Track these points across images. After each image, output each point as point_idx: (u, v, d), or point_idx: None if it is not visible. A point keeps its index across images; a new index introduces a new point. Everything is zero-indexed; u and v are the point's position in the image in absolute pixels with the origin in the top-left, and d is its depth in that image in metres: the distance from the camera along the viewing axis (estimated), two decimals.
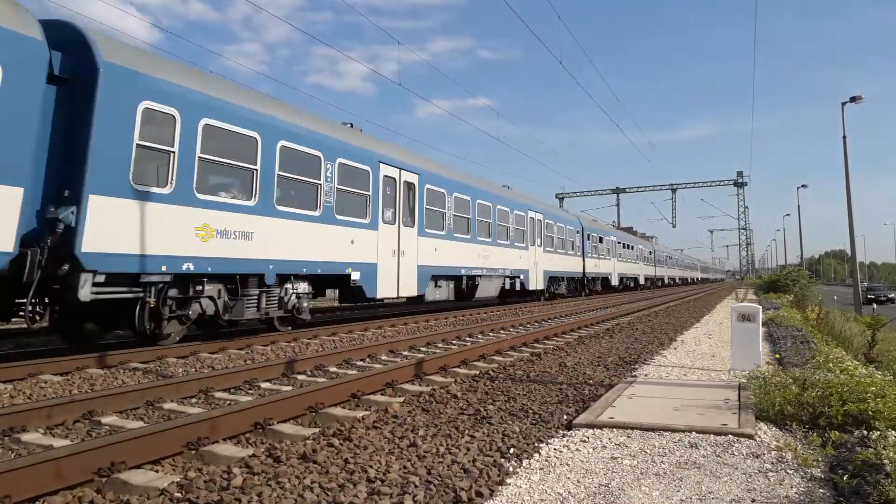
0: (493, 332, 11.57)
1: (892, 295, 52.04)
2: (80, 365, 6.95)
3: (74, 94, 7.04)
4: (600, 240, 30.77)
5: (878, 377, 4.62)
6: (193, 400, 5.53)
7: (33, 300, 6.73)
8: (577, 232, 27.05)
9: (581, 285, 28.01)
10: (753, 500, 2.87)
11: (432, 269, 14.62)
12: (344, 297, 12.72)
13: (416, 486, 3.06)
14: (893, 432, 3.40)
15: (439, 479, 3.19)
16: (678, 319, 14.80)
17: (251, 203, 9.21)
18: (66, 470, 3.16)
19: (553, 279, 23.87)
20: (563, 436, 4.06)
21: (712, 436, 3.91)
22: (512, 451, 3.70)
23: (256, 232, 9.26)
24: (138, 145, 7.52)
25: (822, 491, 2.98)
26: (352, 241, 11.52)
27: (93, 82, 7.00)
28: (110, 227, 7.14)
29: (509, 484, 3.13)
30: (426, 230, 14.38)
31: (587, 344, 9.51)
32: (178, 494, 3.02)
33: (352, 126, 13.00)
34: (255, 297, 9.45)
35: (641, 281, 41.53)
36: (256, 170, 9.27)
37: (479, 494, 2.96)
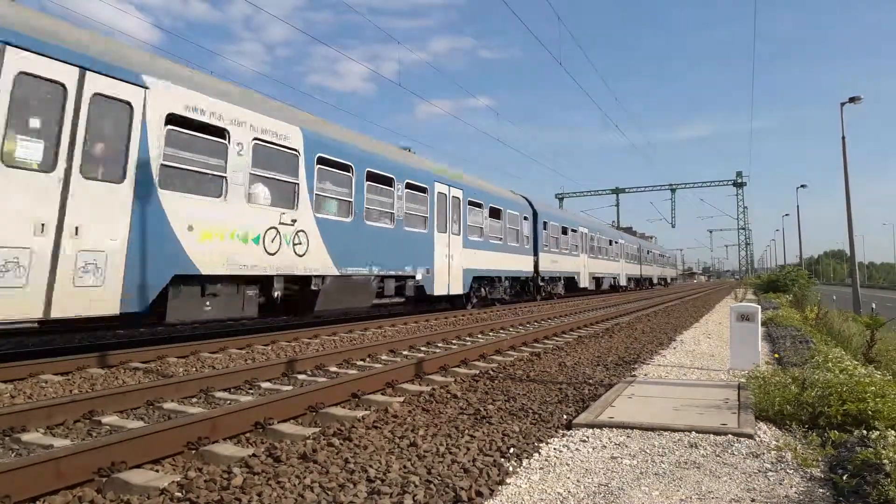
0: (492, 331, 11.58)
1: None
2: (81, 365, 6.96)
3: (531, 223, 22.53)
4: (648, 252, 47.14)
5: (877, 377, 4.62)
6: (194, 400, 5.53)
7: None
8: (638, 248, 43.42)
9: (637, 282, 43.84)
10: (753, 500, 2.87)
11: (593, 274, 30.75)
12: (571, 289, 27.70)
13: (416, 486, 3.07)
14: (893, 432, 3.40)
15: (439, 478, 3.19)
16: (677, 319, 14.81)
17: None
18: (67, 470, 3.16)
19: (627, 279, 40.22)
20: (563, 435, 4.06)
21: (712, 435, 3.92)
22: (512, 450, 3.70)
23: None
24: (543, 237, 23.36)
25: (821, 491, 2.99)
26: (584, 265, 28.07)
27: (536, 218, 22.84)
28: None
29: (509, 484, 3.14)
30: (595, 256, 30.93)
31: (587, 344, 9.51)
32: (179, 494, 3.02)
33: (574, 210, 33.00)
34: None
35: (668, 280, 57.73)
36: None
37: (479, 494, 2.97)
